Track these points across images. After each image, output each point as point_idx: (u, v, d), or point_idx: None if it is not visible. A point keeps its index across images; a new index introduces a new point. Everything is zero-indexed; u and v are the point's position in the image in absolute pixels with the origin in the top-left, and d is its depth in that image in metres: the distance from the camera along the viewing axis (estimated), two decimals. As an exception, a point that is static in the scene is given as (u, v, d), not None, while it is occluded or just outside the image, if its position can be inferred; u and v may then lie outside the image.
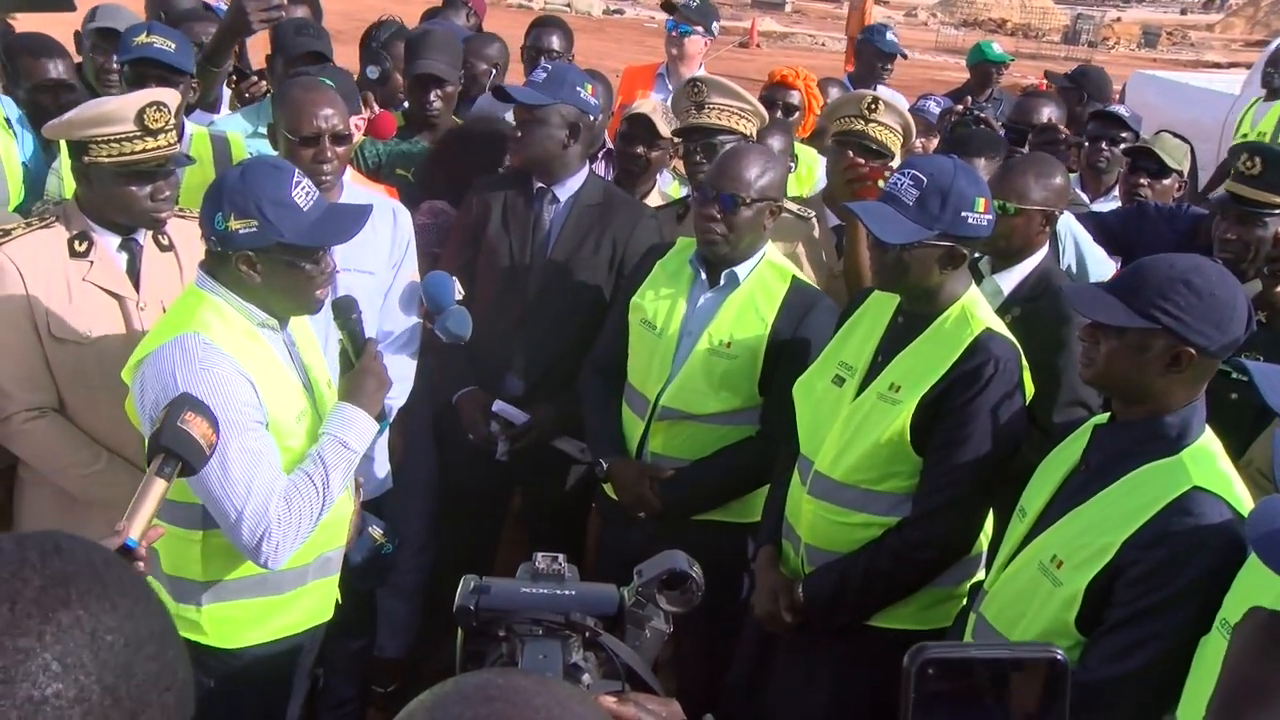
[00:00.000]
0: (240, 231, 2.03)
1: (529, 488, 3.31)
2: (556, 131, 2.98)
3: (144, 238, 2.52)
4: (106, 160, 2.37)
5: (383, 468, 3.03)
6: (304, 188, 2.08)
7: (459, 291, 2.87)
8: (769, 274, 2.69)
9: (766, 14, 25.94)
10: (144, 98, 2.38)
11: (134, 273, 2.51)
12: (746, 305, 2.66)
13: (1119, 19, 29.68)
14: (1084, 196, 3.95)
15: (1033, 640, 1.82)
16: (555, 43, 4.37)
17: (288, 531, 2.03)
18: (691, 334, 2.69)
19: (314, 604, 2.31)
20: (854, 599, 2.32)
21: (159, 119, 2.35)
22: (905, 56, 5.49)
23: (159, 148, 2.37)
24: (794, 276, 2.71)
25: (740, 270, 2.68)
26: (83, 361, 2.41)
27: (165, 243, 2.55)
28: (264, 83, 3.73)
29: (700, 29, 4.64)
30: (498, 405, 3.00)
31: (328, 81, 2.94)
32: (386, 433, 3.00)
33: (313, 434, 2.17)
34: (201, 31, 3.74)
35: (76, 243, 2.44)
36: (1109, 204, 3.89)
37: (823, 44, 21.81)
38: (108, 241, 2.48)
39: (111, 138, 2.35)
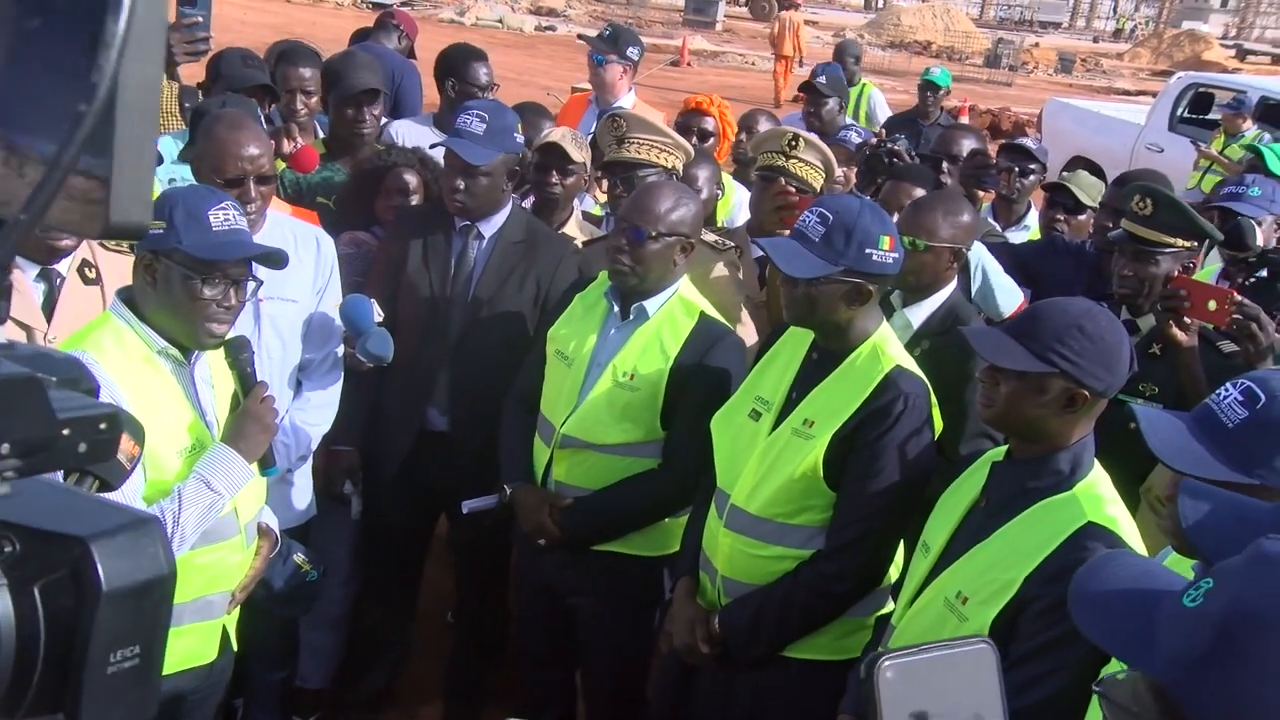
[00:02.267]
0: (149, 233, 2.04)
1: (454, 515, 3.31)
2: (499, 180, 3.00)
3: (67, 269, 2.48)
4: None
5: (304, 496, 3.01)
6: (225, 215, 2.10)
7: (378, 314, 2.86)
8: (678, 309, 2.72)
9: (697, 32, 26.17)
10: None
11: (51, 304, 2.46)
12: (652, 339, 2.69)
13: (1037, 44, 30.54)
14: (997, 226, 4.09)
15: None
16: (483, 76, 4.35)
17: None
18: (599, 366, 2.71)
19: (191, 646, 2.26)
20: (770, 630, 2.36)
21: None
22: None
23: None
24: (702, 313, 2.73)
25: (650, 305, 2.71)
26: None
27: (91, 276, 2.51)
28: None
29: (614, 56, 4.70)
30: (468, 506, 2.95)
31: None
32: (310, 460, 2.98)
33: None
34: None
35: None
36: (1020, 234, 4.02)
37: (753, 63, 22.09)
38: (28, 271, 2.44)
39: None
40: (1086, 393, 1.88)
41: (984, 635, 1.79)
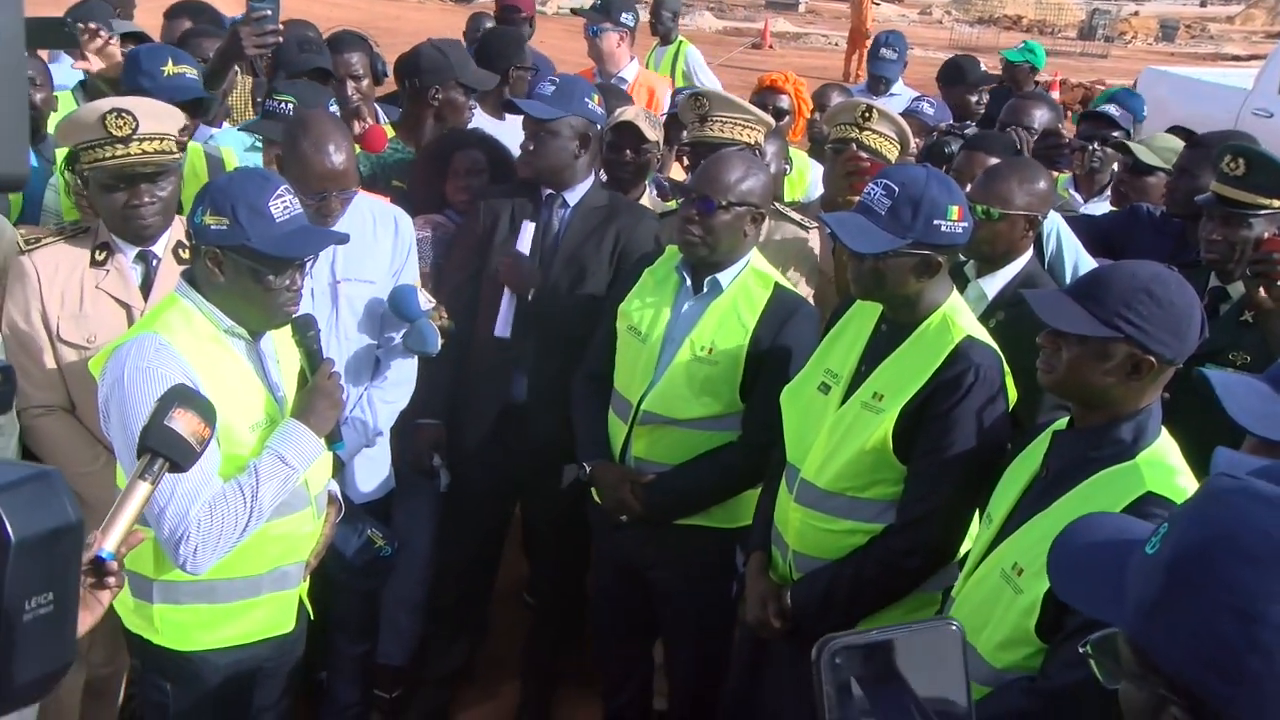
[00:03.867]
0: (212, 227, 2.10)
1: (529, 496, 3.35)
2: (568, 143, 3.04)
3: (163, 250, 2.61)
4: (88, 167, 2.48)
5: (383, 471, 3.07)
6: (284, 202, 2.13)
7: (427, 301, 2.89)
8: (752, 281, 2.71)
9: (780, 15, 25.86)
10: (107, 104, 2.46)
11: (148, 284, 2.60)
12: (729, 312, 2.68)
13: (1136, 13, 29.39)
14: (1078, 198, 3.96)
15: (996, 645, 1.84)
16: (530, 56, 4.38)
17: (207, 537, 2.07)
18: (674, 340, 2.71)
19: (268, 616, 2.34)
20: (842, 605, 2.34)
21: (122, 126, 2.42)
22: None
23: (128, 155, 2.44)
24: (776, 283, 2.72)
25: (723, 277, 2.70)
26: (87, 365, 2.49)
27: (185, 255, 2.61)
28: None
29: (609, 25, 4.65)
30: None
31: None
32: (388, 436, 3.02)
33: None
34: (210, 47, 3.80)
35: (98, 252, 2.58)
36: (1102, 204, 3.89)
37: (836, 44, 21.71)
38: (127, 252, 2.59)
39: (87, 144, 2.45)
40: (1153, 359, 1.82)
41: (1036, 606, 1.76)
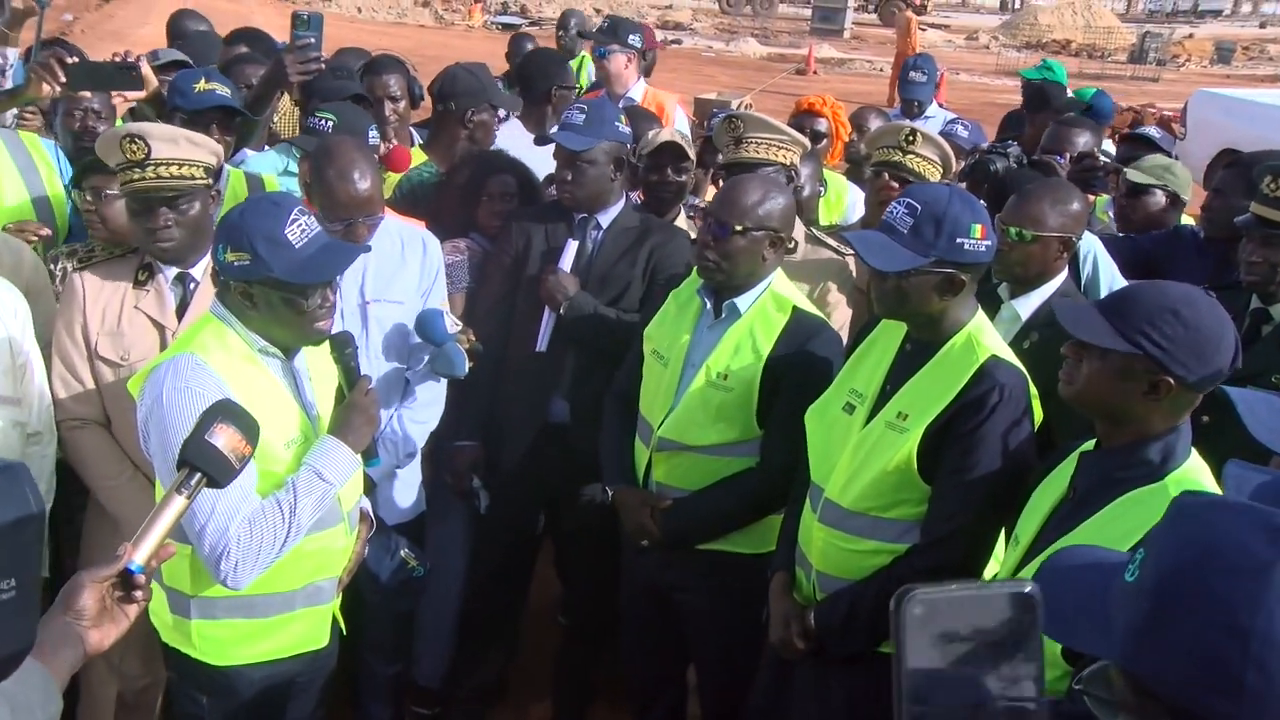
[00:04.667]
0: (235, 264, 2.11)
1: (563, 514, 3.36)
2: (604, 169, 3.08)
3: (202, 274, 2.66)
4: (121, 188, 2.58)
5: (413, 492, 3.10)
6: (299, 226, 2.12)
7: (454, 324, 2.92)
8: (770, 305, 2.69)
9: (824, 40, 25.93)
10: (123, 130, 2.54)
11: (184, 307, 2.66)
12: (744, 337, 2.67)
13: (1190, 35, 29.03)
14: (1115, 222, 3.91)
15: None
16: (571, 78, 4.47)
17: (247, 553, 2.09)
18: (693, 365, 2.70)
19: (304, 631, 2.36)
20: (865, 626, 2.32)
21: (135, 150, 2.48)
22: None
23: (144, 178, 2.51)
24: (795, 307, 2.69)
25: (741, 302, 2.69)
26: (121, 382, 2.56)
27: None
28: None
29: (616, 46, 4.73)
30: None
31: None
32: (418, 456, 3.05)
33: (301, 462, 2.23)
34: (253, 74, 3.90)
35: (141, 273, 2.65)
36: (1144, 226, 3.85)
37: (880, 70, 21.71)
38: (167, 274, 2.66)
39: (119, 166, 2.53)
40: (1171, 380, 1.79)
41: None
